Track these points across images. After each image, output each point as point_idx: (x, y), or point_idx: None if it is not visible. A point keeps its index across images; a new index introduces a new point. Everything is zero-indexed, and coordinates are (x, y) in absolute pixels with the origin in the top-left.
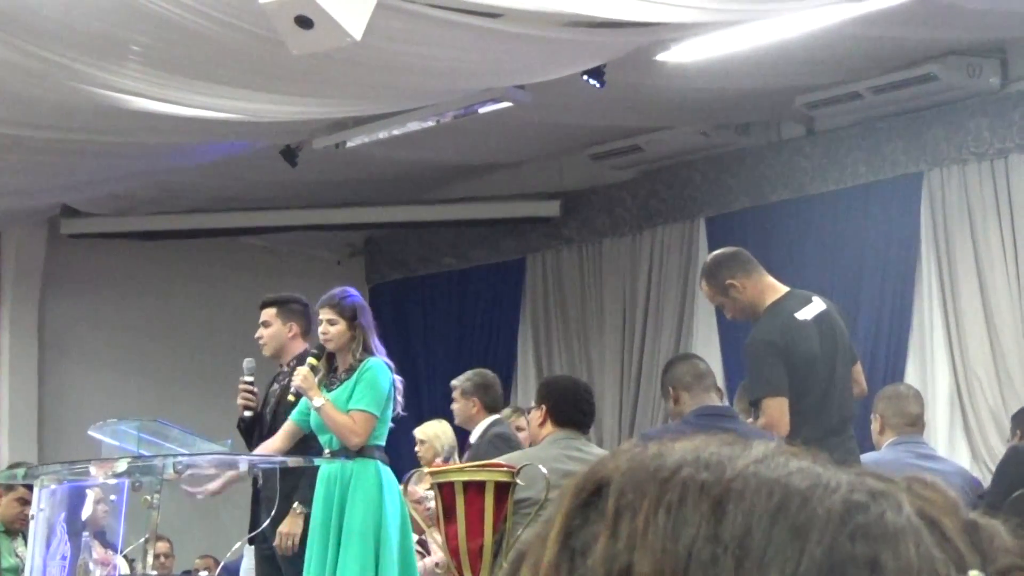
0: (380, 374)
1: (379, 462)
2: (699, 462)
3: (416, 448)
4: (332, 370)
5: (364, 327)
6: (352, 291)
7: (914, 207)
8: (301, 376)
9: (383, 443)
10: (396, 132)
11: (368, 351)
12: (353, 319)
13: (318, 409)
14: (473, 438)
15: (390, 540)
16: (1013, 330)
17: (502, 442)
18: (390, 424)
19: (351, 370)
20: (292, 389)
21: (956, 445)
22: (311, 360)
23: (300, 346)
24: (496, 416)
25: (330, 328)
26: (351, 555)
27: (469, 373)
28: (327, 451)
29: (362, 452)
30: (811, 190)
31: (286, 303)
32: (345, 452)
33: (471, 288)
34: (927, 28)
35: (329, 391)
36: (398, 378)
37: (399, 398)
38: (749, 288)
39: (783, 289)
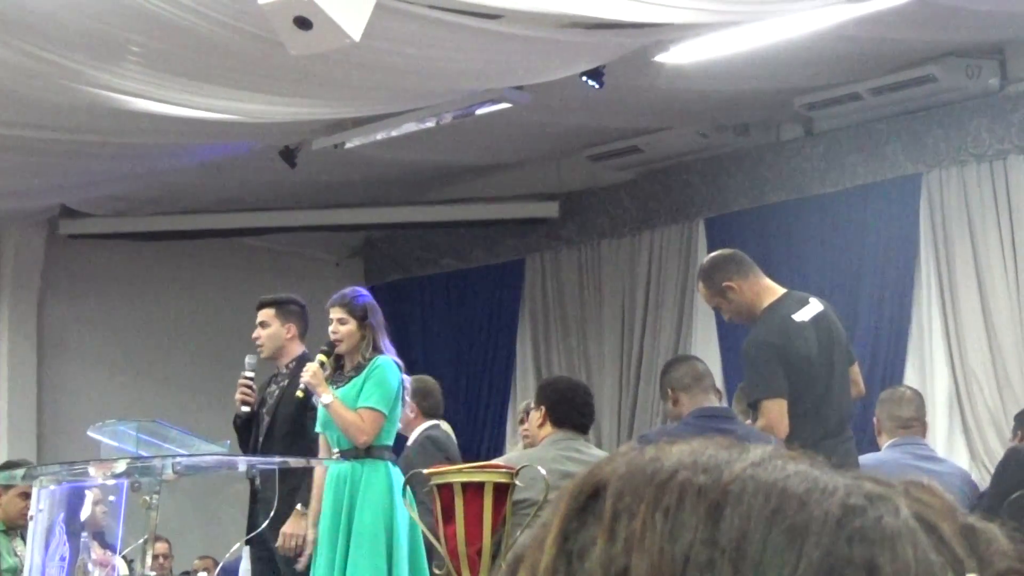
0: (390, 373)
1: (389, 463)
2: (696, 466)
3: None
4: (339, 367)
5: (374, 327)
6: (363, 291)
7: (913, 208)
8: (311, 372)
9: (391, 443)
10: (395, 133)
11: (378, 351)
12: (364, 319)
13: (327, 406)
14: (410, 442)
15: (401, 542)
16: (1012, 331)
17: (431, 445)
18: (399, 424)
19: (359, 368)
20: (301, 385)
21: (955, 446)
22: (321, 357)
23: (298, 348)
24: (433, 421)
25: (340, 328)
26: (362, 557)
27: (409, 378)
28: (336, 451)
29: (371, 452)
30: (810, 191)
31: (284, 304)
32: (354, 452)
33: (470, 289)
34: (926, 29)
35: (336, 388)
36: (407, 378)
37: (407, 398)
38: (746, 290)
39: (780, 291)
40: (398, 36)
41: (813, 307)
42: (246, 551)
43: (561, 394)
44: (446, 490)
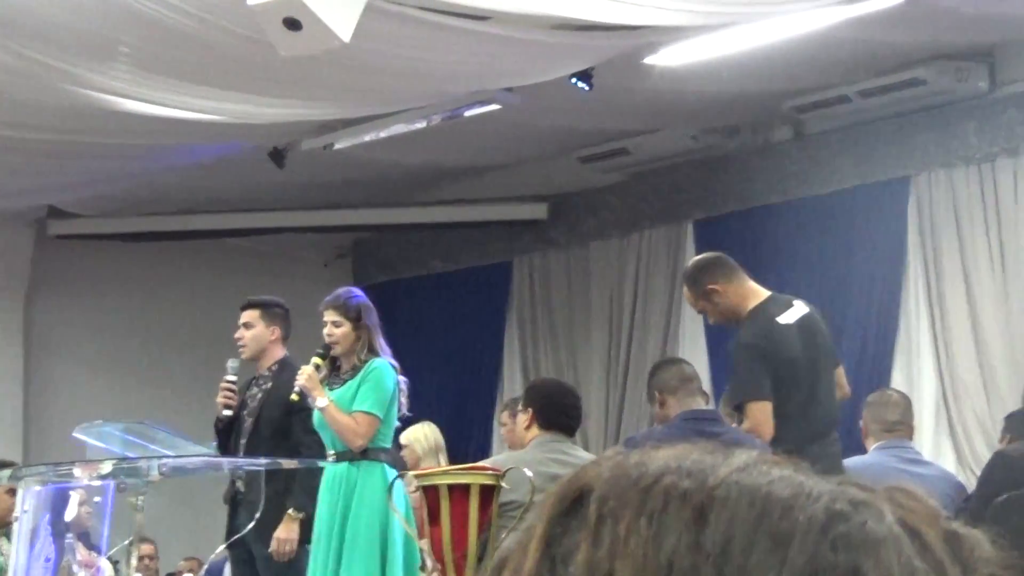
0: (385, 375)
1: (385, 465)
2: (681, 470)
3: (403, 452)
4: (335, 369)
5: (369, 328)
6: (357, 291)
7: (902, 211)
8: (305, 375)
9: (389, 445)
10: (384, 134)
11: (373, 352)
12: (358, 320)
13: (322, 409)
14: None
15: (396, 544)
16: (999, 334)
17: None
18: (396, 424)
19: (355, 370)
20: (296, 388)
21: (942, 449)
22: (316, 359)
23: (280, 351)
24: None
25: (335, 330)
26: (357, 560)
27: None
28: (332, 453)
29: (367, 455)
30: (799, 194)
31: (270, 306)
32: (350, 454)
33: (458, 290)
34: (916, 32)
35: (331, 390)
36: (403, 379)
37: (403, 399)
38: (730, 293)
39: (765, 293)
40: (388, 38)
41: (798, 310)
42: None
43: (549, 396)
44: (432, 492)
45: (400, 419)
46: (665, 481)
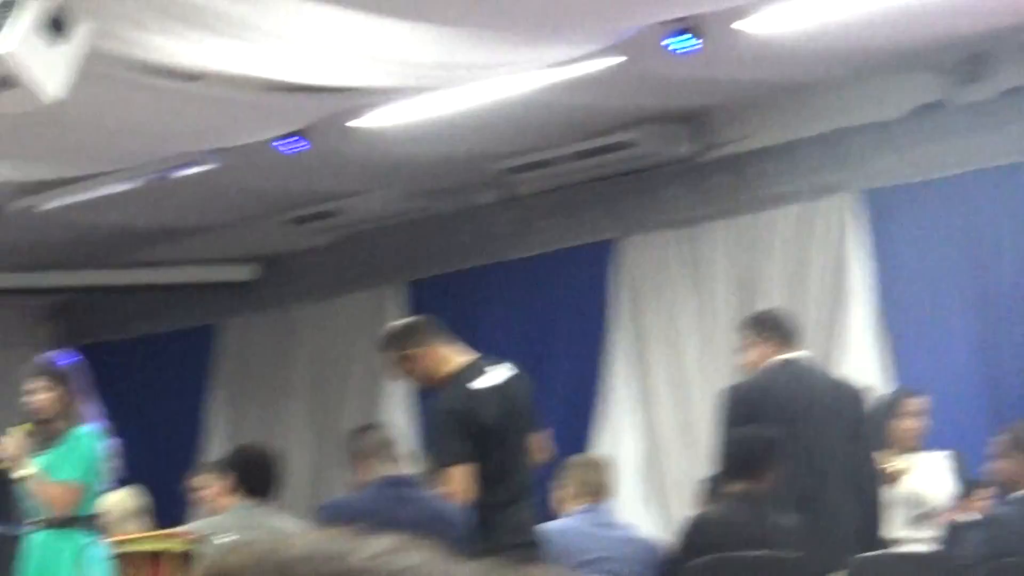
0: (90, 442)
1: (86, 532)
2: (316, 558)
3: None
4: (43, 435)
5: (76, 393)
6: (65, 355)
7: (607, 274)
8: (8, 446)
9: (92, 513)
10: (91, 195)
11: (80, 418)
12: (65, 385)
13: (26, 479)
14: None
15: None
16: (703, 398)
17: None
18: (103, 489)
19: (61, 437)
20: None
21: (644, 513)
22: (22, 427)
23: None
24: None
25: (41, 395)
26: None
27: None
28: (33, 519)
29: (69, 523)
30: (506, 255)
31: None
32: (52, 522)
33: (163, 353)
34: (624, 96)
35: (39, 457)
36: (111, 443)
37: (113, 464)
38: (426, 358)
39: (464, 358)
40: (99, 98)
41: (497, 374)
42: None
43: (249, 462)
44: (128, 559)
45: (108, 484)
46: (299, 569)
